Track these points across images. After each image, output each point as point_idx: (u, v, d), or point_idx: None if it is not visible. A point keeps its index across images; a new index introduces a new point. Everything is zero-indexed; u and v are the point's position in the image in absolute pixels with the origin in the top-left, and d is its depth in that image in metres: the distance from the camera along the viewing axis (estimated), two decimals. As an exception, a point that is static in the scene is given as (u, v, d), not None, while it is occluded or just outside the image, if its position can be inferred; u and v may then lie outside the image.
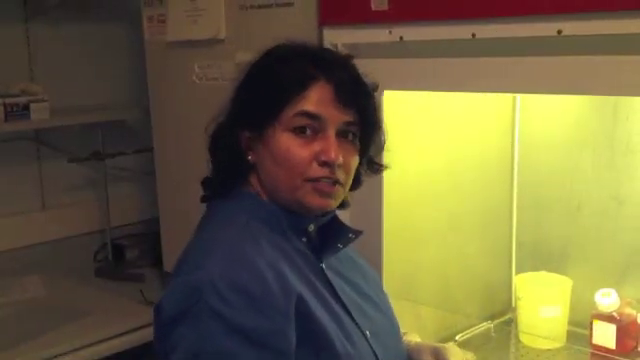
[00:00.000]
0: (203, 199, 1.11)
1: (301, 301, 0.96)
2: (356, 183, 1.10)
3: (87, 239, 2.50)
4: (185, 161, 2.10)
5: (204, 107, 1.97)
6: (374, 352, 1.04)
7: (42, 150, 2.44)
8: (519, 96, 1.85)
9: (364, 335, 1.04)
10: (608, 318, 1.65)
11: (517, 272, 1.90)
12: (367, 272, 1.17)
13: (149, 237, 2.48)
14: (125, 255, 2.50)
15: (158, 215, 2.23)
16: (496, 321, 1.84)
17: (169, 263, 2.24)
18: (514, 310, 1.82)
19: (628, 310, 1.67)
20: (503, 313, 1.89)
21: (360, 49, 1.52)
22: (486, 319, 1.82)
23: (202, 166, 1.99)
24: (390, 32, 1.46)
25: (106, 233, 2.47)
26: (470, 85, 1.40)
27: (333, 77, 1.00)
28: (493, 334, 1.78)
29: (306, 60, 1.02)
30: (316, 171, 0.98)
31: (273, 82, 1.01)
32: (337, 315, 1.01)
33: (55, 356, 1.80)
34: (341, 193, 1.03)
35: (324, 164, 0.98)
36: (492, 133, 1.85)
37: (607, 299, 1.65)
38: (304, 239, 1.03)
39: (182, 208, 2.14)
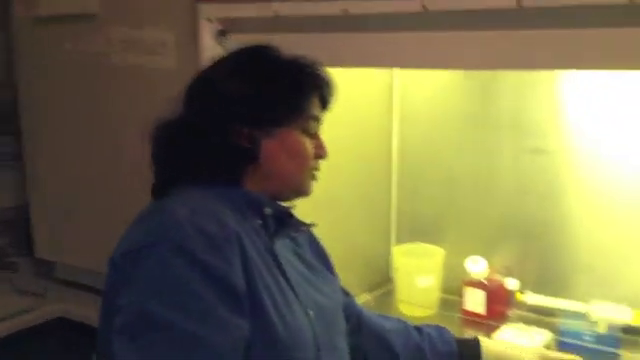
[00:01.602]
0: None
1: (249, 264, 1.01)
2: None
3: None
4: (56, 144, 2.02)
5: (76, 87, 1.93)
6: (313, 330, 1.09)
7: None
8: (396, 70, 1.91)
9: (307, 313, 1.09)
10: (477, 284, 1.74)
11: (396, 244, 1.97)
12: (318, 267, 1.26)
13: (21, 224, 2.36)
14: (-5, 243, 2.38)
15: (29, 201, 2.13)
16: (375, 292, 1.91)
17: (41, 250, 2.15)
18: (392, 281, 1.88)
19: (496, 276, 1.77)
20: (382, 284, 1.95)
21: (235, 24, 1.52)
22: (366, 290, 1.87)
23: (75, 149, 1.95)
24: (265, 7, 1.46)
25: (-25, 220, 2.34)
26: (343, 60, 1.42)
27: (322, 84, 1.17)
28: (372, 305, 1.84)
29: (310, 66, 1.16)
30: (315, 164, 1.17)
31: (299, 86, 1.14)
32: (282, 290, 1.06)
33: None
34: None
35: (319, 158, 1.18)
36: (370, 107, 1.90)
37: (476, 266, 1.74)
38: (259, 221, 1.11)
39: (53, 193, 2.07)
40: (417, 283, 1.78)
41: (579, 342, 1.55)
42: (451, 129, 1.88)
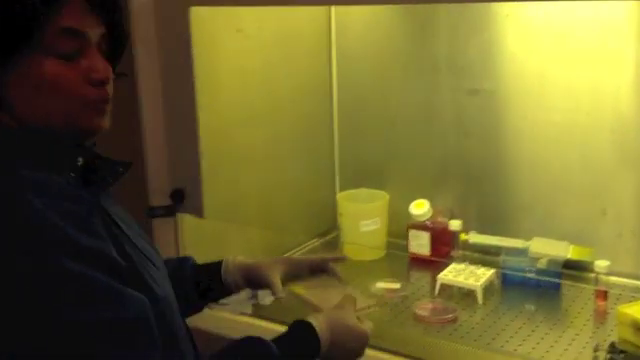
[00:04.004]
0: None
1: (110, 231, 0.89)
2: None
3: None
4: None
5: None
6: (162, 279, 0.98)
7: None
8: (333, 11, 1.88)
9: (153, 264, 0.97)
10: (422, 227, 1.76)
11: (341, 190, 1.97)
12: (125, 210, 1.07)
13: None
14: None
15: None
16: (323, 239, 1.91)
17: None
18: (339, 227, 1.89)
19: (440, 218, 1.79)
20: (329, 231, 1.96)
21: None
22: (313, 237, 1.88)
23: None
24: None
25: None
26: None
27: None
28: (320, 251, 1.85)
29: None
30: (91, 92, 0.89)
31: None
32: (133, 247, 0.93)
33: None
34: (109, 110, 0.94)
35: (97, 83, 0.90)
36: (309, 52, 1.87)
37: (420, 209, 1.75)
38: (72, 174, 0.91)
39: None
40: (362, 228, 1.79)
41: (522, 278, 1.59)
42: (391, 72, 1.87)
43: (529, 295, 1.56)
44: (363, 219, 1.79)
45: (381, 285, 1.62)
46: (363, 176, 1.94)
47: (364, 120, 1.93)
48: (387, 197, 1.83)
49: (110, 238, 0.86)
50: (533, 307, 1.50)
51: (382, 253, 1.82)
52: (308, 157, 1.90)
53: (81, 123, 0.90)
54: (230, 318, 1.46)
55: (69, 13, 0.86)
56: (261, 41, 1.67)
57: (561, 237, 1.64)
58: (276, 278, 1.22)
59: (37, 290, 0.78)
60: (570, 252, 1.60)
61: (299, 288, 1.22)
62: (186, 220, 1.56)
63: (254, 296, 1.25)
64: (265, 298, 1.25)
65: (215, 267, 1.23)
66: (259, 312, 1.44)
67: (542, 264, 1.60)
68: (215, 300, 1.26)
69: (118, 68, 0.98)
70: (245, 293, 1.23)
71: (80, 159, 0.91)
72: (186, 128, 1.47)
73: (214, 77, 1.52)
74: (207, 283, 1.21)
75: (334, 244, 1.90)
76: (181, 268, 1.20)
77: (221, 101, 1.56)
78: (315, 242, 1.87)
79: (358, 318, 1.12)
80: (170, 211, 1.53)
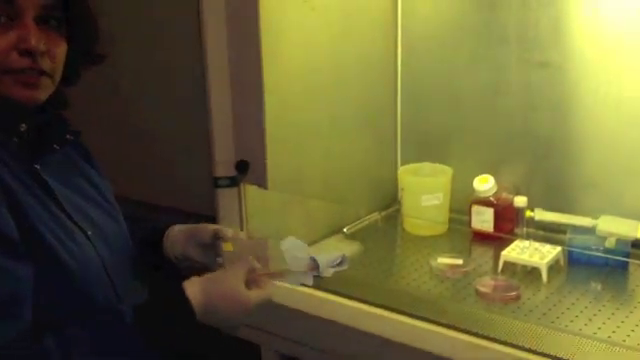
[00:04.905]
0: None
1: (16, 203, 0.89)
2: (73, 76, 1.03)
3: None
4: None
5: None
6: (98, 254, 1.00)
7: None
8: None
9: (87, 236, 0.99)
10: (486, 203, 1.73)
11: (403, 164, 1.95)
12: (95, 178, 1.11)
13: None
14: None
15: None
16: (383, 212, 1.90)
17: None
18: (400, 201, 1.88)
19: (505, 194, 1.76)
20: (390, 205, 1.95)
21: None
22: (374, 211, 1.87)
23: None
24: None
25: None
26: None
27: None
28: (380, 225, 1.85)
29: None
30: (17, 62, 0.91)
31: None
32: (57, 217, 0.95)
33: None
34: (49, 84, 0.96)
35: (25, 53, 0.91)
36: (375, 25, 1.85)
37: (485, 185, 1.73)
38: (15, 139, 0.95)
39: None
40: (423, 202, 1.78)
41: (588, 257, 1.56)
42: (457, 44, 1.83)
43: (596, 274, 1.52)
44: (425, 194, 1.77)
45: (443, 260, 1.60)
46: (426, 150, 1.92)
47: (428, 93, 1.90)
48: (450, 172, 1.81)
49: (14, 211, 0.87)
50: (599, 286, 1.47)
51: (444, 229, 1.81)
52: (371, 131, 1.89)
53: (8, 92, 0.91)
54: (290, 289, 1.47)
55: None
56: (327, 13, 1.66)
57: (630, 216, 1.59)
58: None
59: None
60: (639, 231, 1.56)
61: (229, 245, 1.14)
62: (250, 191, 1.58)
63: (315, 268, 1.26)
64: (326, 270, 1.25)
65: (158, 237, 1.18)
66: (320, 284, 1.45)
67: (610, 243, 1.56)
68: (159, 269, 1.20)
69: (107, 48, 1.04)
70: (305, 265, 1.22)
71: (23, 125, 0.94)
72: (252, 100, 1.48)
73: (280, 50, 1.52)
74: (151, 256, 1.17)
75: (395, 218, 1.89)
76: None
77: (287, 74, 1.56)
78: (376, 216, 1.86)
79: (247, 282, 1.01)
80: (234, 182, 1.56)
